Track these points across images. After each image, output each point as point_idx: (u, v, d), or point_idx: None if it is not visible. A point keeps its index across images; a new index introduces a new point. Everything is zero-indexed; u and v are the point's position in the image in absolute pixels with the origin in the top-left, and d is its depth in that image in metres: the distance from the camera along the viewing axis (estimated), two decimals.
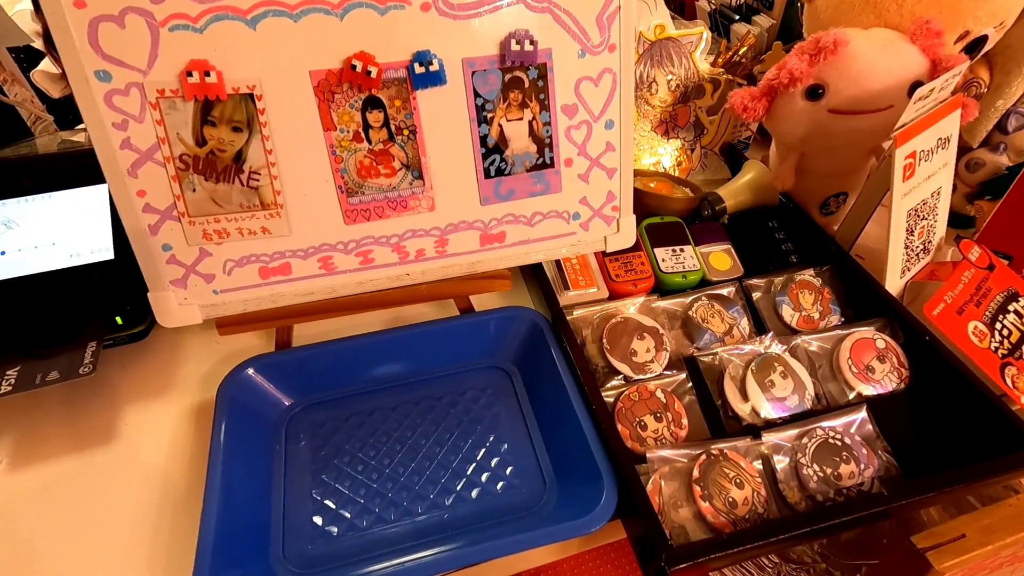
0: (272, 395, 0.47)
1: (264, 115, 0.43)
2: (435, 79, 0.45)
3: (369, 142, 0.45)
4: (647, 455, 0.42)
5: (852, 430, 0.44)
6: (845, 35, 0.51)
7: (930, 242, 0.57)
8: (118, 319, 0.49)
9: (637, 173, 0.67)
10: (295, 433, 0.46)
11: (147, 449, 0.46)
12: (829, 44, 0.51)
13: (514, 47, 0.45)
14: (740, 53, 0.70)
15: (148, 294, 0.45)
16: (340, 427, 0.46)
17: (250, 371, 0.46)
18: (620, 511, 0.40)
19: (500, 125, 0.48)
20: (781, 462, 0.43)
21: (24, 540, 0.41)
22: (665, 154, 0.70)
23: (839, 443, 0.43)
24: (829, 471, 0.42)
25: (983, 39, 0.55)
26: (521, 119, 0.48)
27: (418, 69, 0.44)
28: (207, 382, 0.50)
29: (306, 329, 0.53)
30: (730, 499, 0.40)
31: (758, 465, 0.43)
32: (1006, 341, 0.52)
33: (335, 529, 0.41)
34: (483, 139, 0.48)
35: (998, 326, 0.52)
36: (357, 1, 0.42)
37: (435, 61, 0.44)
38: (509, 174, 0.49)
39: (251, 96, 0.42)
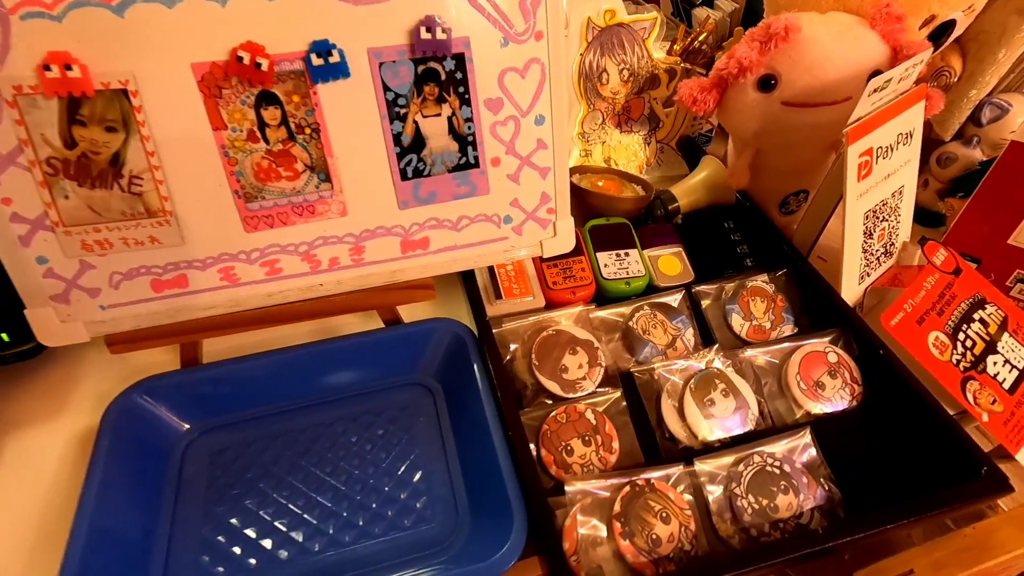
0: (166, 420, 0.43)
1: (142, 113, 0.38)
2: (337, 71, 0.40)
3: (266, 142, 0.41)
4: (565, 486, 0.38)
5: (794, 456, 0.41)
6: (797, 20, 0.47)
7: (892, 244, 0.54)
8: (4, 336, 0.45)
9: (585, 170, 0.63)
10: (191, 461, 0.42)
11: (29, 478, 0.42)
12: (780, 30, 0.47)
13: (424, 35, 0.41)
14: (699, 40, 0.65)
15: (25, 311, 0.41)
16: (242, 454, 0.43)
17: (139, 394, 0.42)
18: (537, 548, 0.37)
19: (415, 122, 0.43)
20: (714, 492, 0.39)
21: None
22: (620, 149, 0.65)
23: (778, 471, 0.40)
24: (765, 502, 0.39)
25: (951, 24, 0.51)
26: (439, 115, 0.44)
27: (316, 61, 0.40)
28: (104, 403, 0.46)
29: (218, 344, 0.49)
30: (653, 536, 0.37)
31: (689, 496, 0.39)
32: (969, 353, 0.48)
33: (221, 569, 0.37)
34: (397, 137, 0.44)
35: (961, 336, 0.48)
36: None
37: (336, 51, 0.40)
38: (429, 175, 0.45)
39: (125, 92, 0.38)
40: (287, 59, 0.39)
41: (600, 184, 0.60)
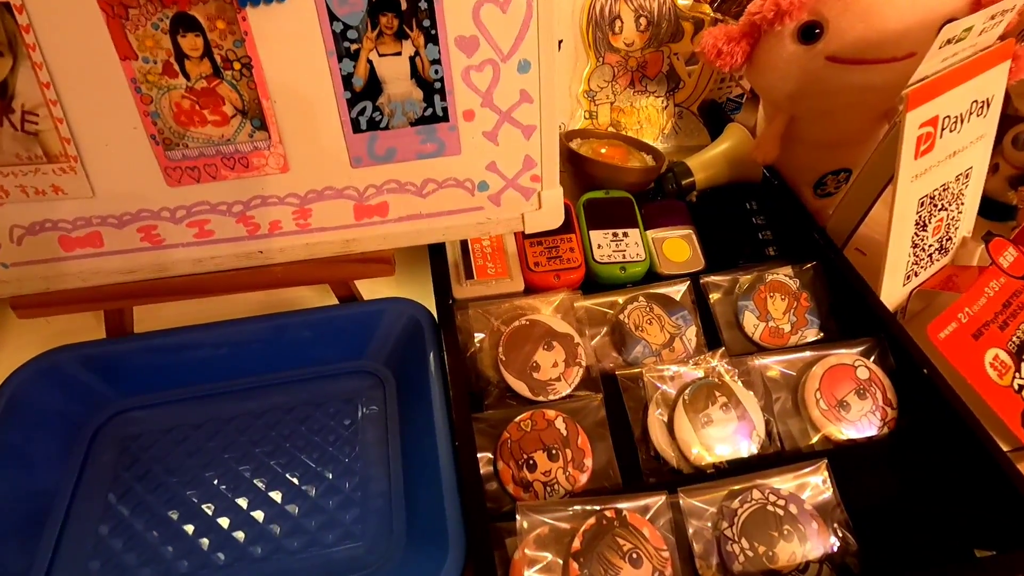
0: (68, 400, 0.38)
1: (30, 34, 0.32)
2: None
3: (187, 77, 0.34)
4: (516, 512, 0.31)
5: (803, 495, 0.33)
6: None
7: (950, 239, 0.44)
8: None
9: (587, 134, 0.54)
10: (100, 447, 0.37)
11: None
12: None
13: None
14: None
15: None
16: (157, 441, 0.37)
17: (38, 370, 0.37)
18: None
19: (370, 61, 0.36)
20: (701, 530, 0.32)
21: None
22: (631, 111, 0.57)
23: (781, 511, 0.32)
24: (762, 549, 0.31)
25: None
26: (399, 54, 0.36)
27: None
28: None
29: (154, 316, 0.43)
30: None
31: (668, 534, 0.32)
32: None
33: None
34: (347, 79, 0.36)
35: None
36: None
37: None
38: (387, 128, 0.38)
39: (8, 7, 0.31)
40: None
41: (603, 152, 0.51)
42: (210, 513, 0.34)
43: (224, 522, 0.34)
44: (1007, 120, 0.53)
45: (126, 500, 0.35)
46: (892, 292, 0.42)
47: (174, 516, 0.34)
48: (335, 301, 0.44)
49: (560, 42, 0.55)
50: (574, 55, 0.55)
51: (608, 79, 0.55)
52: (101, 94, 0.34)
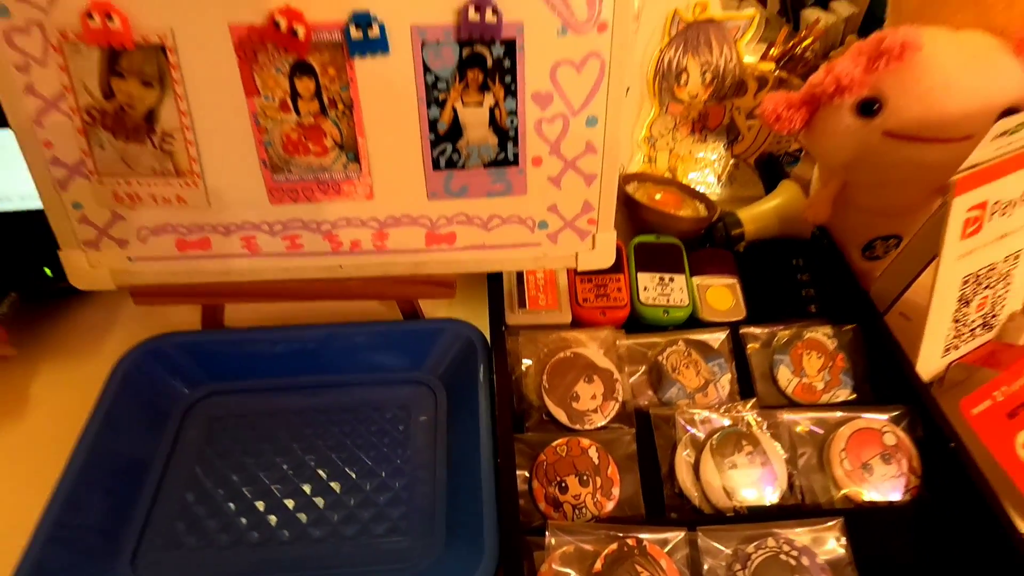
0: (168, 381, 0.43)
1: (177, 71, 0.38)
2: (376, 46, 0.38)
3: (298, 113, 0.40)
4: (546, 529, 0.35)
5: (817, 548, 0.35)
6: (918, 37, 0.39)
7: (995, 316, 0.45)
8: (47, 270, 0.47)
9: (644, 178, 0.57)
10: (190, 424, 0.43)
11: (49, 410, 0.44)
12: (894, 47, 0.39)
13: (472, 16, 0.37)
14: (803, 45, 0.57)
15: (59, 251, 0.42)
16: (237, 424, 0.43)
17: (147, 353, 0.43)
18: None
19: (454, 109, 0.40)
20: (715, 568, 0.35)
21: None
22: (689, 159, 0.59)
23: (794, 562, 0.34)
24: None
25: None
26: (481, 104, 0.40)
27: (355, 33, 0.37)
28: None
29: (238, 312, 0.49)
30: None
31: (684, 567, 0.35)
32: None
33: (194, 540, 0.37)
34: (433, 124, 0.41)
35: None
36: None
37: (376, 25, 0.37)
38: (463, 168, 0.42)
39: (163, 49, 0.37)
40: (325, 28, 0.37)
41: (658, 197, 0.54)
42: (278, 494, 0.39)
43: (289, 503, 0.39)
44: None
45: (209, 473, 0.40)
46: (929, 363, 0.43)
47: (248, 492, 0.39)
48: (399, 316, 0.49)
49: (627, 89, 0.58)
50: (639, 102, 0.58)
51: (670, 127, 0.58)
52: (226, 123, 0.39)
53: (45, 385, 0.47)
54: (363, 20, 0.37)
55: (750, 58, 0.56)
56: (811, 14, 0.61)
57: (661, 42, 0.55)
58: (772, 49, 0.57)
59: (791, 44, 0.57)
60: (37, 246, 0.47)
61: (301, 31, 0.37)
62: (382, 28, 0.37)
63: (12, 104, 0.38)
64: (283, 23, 0.36)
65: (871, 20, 0.60)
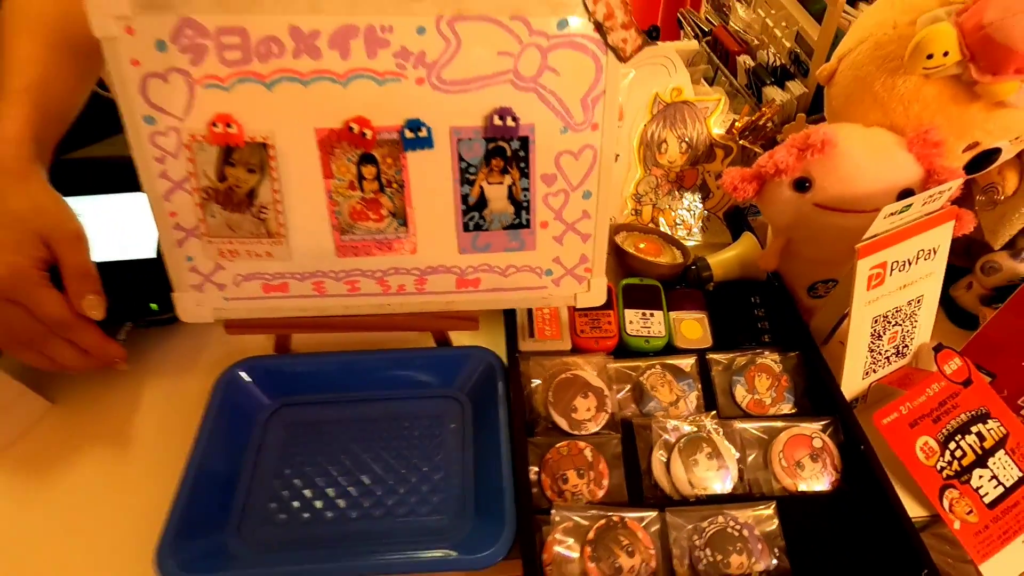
0: (256, 393, 0.55)
1: (275, 162, 0.50)
2: (423, 143, 0.50)
3: (362, 191, 0.52)
4: (551, 510, 0.46)
5: (754, 524, 0.47)
6: (835, 136, 0.51)
7: (906, 346, 0.57)
8: (153, 306, 0.59)
9: (631, 228, 0.69)
10: (272, 429, 0.54)
11: (160, 415, 0.56)
12: (817, 143, 0.51)
13: (497, 122, 0.49)
14: (763, 120, 0.70)
15: (172, 293, 0.54)
16: (309, 430, 0.54)
17: (240, 371, 0.55)
18: (522, 554, 0.45)
19: (481, 187, 0.53)
20: (679, 539, 0.46)
21: (53, 469, 0.53)
22: (668, 212, 0.71)
23: (736, 533, 0.46)
24: (720, 557, 0.45)
25: (995, 152, 0.53)
26: (501, 183, 0.53)
27: (408, 134, 0.49)
28: (219, 367, 0.59)
29: (303, 340, 0.61)
30: (617, 565, 0.44)
31: (656, 538, 0.46)
32: (956, 463, 0.51)
33: (284, 517, 0.49)
34: (464, 198, 0.53)
35: (952, 445, 0.52)
36: (359, 72, 0.47)
37: (424, 128, 0.49)
38: (487, 230, 0.54)
39: (264, 145, 0.49)
40: (386, 131, 0.49)
41: (642, 246, 0.66)
42: (343, 483, 0.51)
43: (352, 490, 0.50)
44: (980, 248, 0.65)
45: (290, 467, 0.52)
46: (852, 384, 0.55)
47: (321, 482, 0.51)
48: (432, 343, 0.61)
49: (617, 156, 0.70)
50: (627, 166, 0.70)
51: (652, 186, 0.70)
52: (308, 198, 0.51)
53: (152, 394, 0.58)
54: (415, 125, 0.49)
55: (718, 130, 0.69)
56: (771, 91, 0.74)
57: (645, 118, 0.68)
58: (737, 122, 0.70)
59: (753, 118, 0.70)
60: (147, 287, 0.59)
61: (369, 133, 0.49)
62: (429, 130, 0.49)
63: (150, 185, 0.50)
64: (356, 128, 0.49)
65: (818, 99, 0.72)
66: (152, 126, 0.48)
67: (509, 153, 0.51)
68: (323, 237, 0.53)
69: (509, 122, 0.50)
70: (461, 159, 0.51)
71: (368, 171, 0.51)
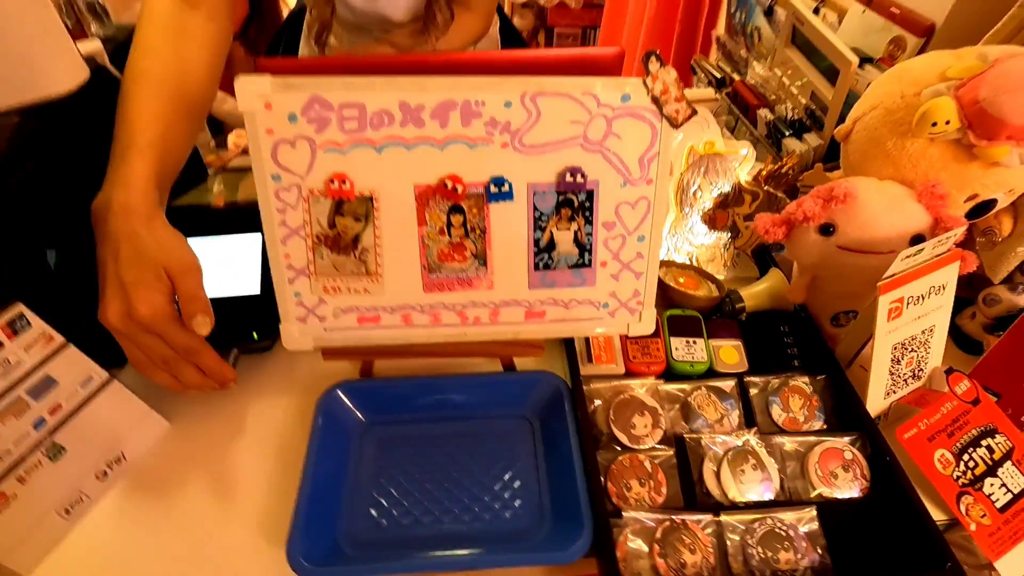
0: (352, 412, 0.63)
1: (378, 212, 0.58)
2: (505, 196, 0.59)
3: (450, 236, 0.60)
4: (623, 513, 0.54)
5: (799, 525, 0.54)
6: (855, 189, 0.60)
7: (921, 370, 0.64)
8: (255, 334, 0.67)
9: (670, 264, 0.78)
10: (367, 443, 0.62)
11: (263, 432, 0.63)
12: (840, 195, 0.60)
13: (568, 179, 0.58)
14: (784, 169, 0.79)
15: (280, 324, 0.62)
16: (398, 445, 0.62)
17: (339, 391, 0.62)
18: (596, 552, 0.52)
19: (551, 232, 0.61)
20: (733, 539, 0.53)
21: (176, 481, 0.60)
22: (702, 250, 0.80)
23: (783, 534, 0.53)
24: (770, 555, 0.52)
25: (992, 202, 0.62)
26: (569, 229, 0.61)
27: (493, 189, 0.58)
28: (309, 390, 0.67)
29: (382, 364, 0.69)
30: (682, 560, 0.51)
31: (713, 539, 0.53)
32: (969, 472, 0.58)
33: (384, 522, 0.56)
34: (536, 242, 0.61)
35: (965, 457, 0.59)
36: (454, 138, 0.56)
37: (507, 184, 0.58)
38: (554, 269, 0.62)
39: (371, 198, 0.58)
40: (474, 186, 0.58)
41: (681, 280, 0.75)
42: (434, 492, 0.58)
43: (443, 498, 0.57)
44: (981, 282, 0.74)
45: (386, 478, 0.59)
46: (875, 404, 0.62)
47: (415, 492, 0.58)
48: (500, 367, 0.69)
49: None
50: (665, 211, 0.79)
51: (688, 227, 0.79)
52: (403, 243, 0.60)
53: (255, 410, 0.66)
54: (498, 181, 0.58)
55: (745, 177, 0.77)
56: (790, 142, 0.83)
57: (682, 167, 0.77)
58: (763, 171, 0.79)
59: (776, 167, 0.79)
60: (250, 319, 0.67)
61: (459, 188, 0.58)
62: (510, 185, 0.58)
63: (270, 231, 0.58)
64: (449, 184, 0.57)
65: (833, 149, 0.81)
66: (278, 183, 0.57)
67: (576, 204, 0.60)
68: (413, 275, 0.61)
69: (578, 179, 0.58)
70: (536, 209, 0.60)
71: (456, 219, 0.59)
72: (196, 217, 0.71)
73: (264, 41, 0.54)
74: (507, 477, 0.59)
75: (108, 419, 0.58)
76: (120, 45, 0.80)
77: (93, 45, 0.78)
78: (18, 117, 0.60)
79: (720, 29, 1.39)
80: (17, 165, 0.61)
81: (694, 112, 0.57)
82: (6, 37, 0.53)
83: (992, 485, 0.58)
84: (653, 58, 0.54)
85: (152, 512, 0.58)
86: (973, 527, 0.56)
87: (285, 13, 1.36)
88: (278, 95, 0.54)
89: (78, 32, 0.86)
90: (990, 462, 0.59)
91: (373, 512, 0.56)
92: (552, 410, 0.63)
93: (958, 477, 0.58)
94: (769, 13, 1.04)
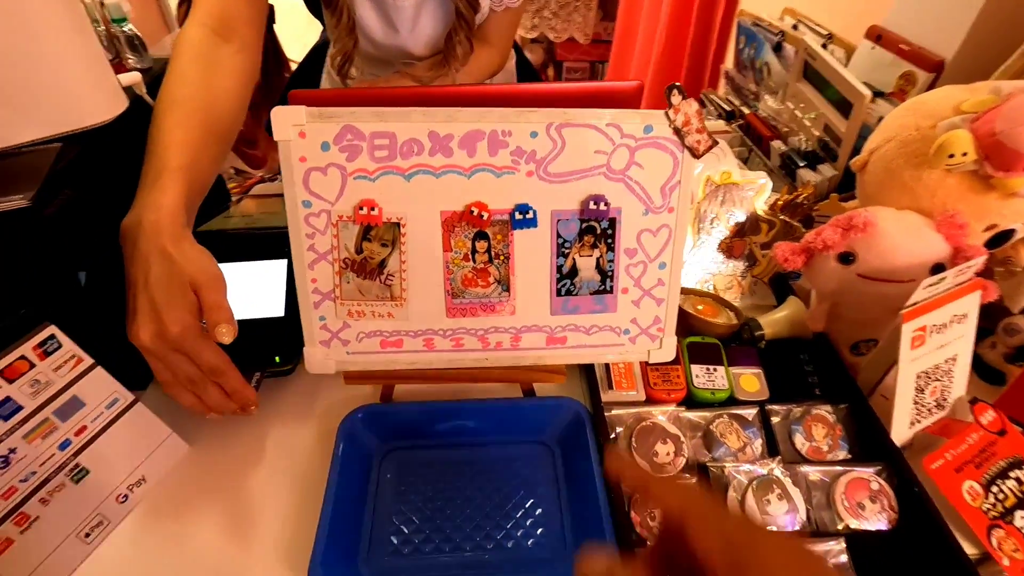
0: (372, 437, 0.62)
1: (405, 238, 0.59)
2: (529, 223, 0.60)
3: (474, 262, 0.61)
4: (648, 543, 0.53)
5: (828, 556, 0.53)
6: (875, 218, 0.61)
7: (945, 399, 0.64)
8: (277, 358, 0.68)
9: (689, 292, 0.78)
10: (386, 469, 0.61)
11: (282, 456, 0.63)
12: (860, 223, 0.61)
13: (592, 206, 0.59)
14: (800, 199, 0.80)
15: (304, 348, 0.62)
16: (418, 471, 0.61)
17: (359, 416, 0.62)
18: None
19: (574, 259, 0.62)
20: None
21: (196, 505, 0.59)
22: (720, 278, 0.80)
23: None
24: None
25: (1011, 232, 0.62)
26: (591, 256, 0.62)
27: (517, 216, 0.59)
28: (330, 414, 0.67)
29: (402, 388, 0.69)
30: None
31: None
32: (1000, 504, 0.57)
33: (405, 549, 0.55)
34: (559, 268, 0.62)
35: (995, 489, 0.58)
36: (481, 167, 0.58)
37: (531, 211, 0.59)
38: (576, 295, 0.63)
39: (398, 224, 0.59)
40: (499, 213, 0.59)
41: (700, 308, 0.75)
42: (456, 520, 0.57)
43: (465, 525, 0.57)
44: (1001, 312, 0.74)
45: (406, 504, 0.58)
46: (900, 434, 0.62)
47: (436, 519, 0.57)
48: (519, 393, 0.69)
49: None
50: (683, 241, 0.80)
51: (707, 255, 0.80)
52: (428, 269, 0.61)
53: (274, 434, 0.66)
54: (523, 209, 0.59)
55: (762, 206, 0.79)
56: (805, 173, 0.84)
57: (699, 197, 0.78)
58: (779, 200, 0.80)
59: (792, 197, 0.80)
60: (272, 343, 0.68)
61: (485, 215, 0.59)
62: (535, 213, 0.59)
63: (299, 255, 0.59)
64: (475, 211, 0.58)
65: (847, 179, 0.82)
66: (308, 209, 0.58)
67: (599, 231, 0.61)
68: (437, 300, 0.62)
69: (601, 206, 0.59)
70: (559, 236, 0.61)
71: (481, 245, 0.60)
72: (220, 242, 0.72)
73: (267, 108, 0.56)
74: (528, 504, 0.59)
75: (131, 441, 0.59)
76: (157, 77, 0.83)
77: (133, 77, 0.81)
78: (60, 144, 0.62)
79: (728, 64, 1.43)
80: (56, 191, 0.63)
81: (715, 143, 0.58)
82: (54, 69, 0.55)
83: (1023, 518, 0.57)
84: (675, 91, 0.56)
85: (171, 538, 0.57)
86: (1006, 562, 0.55)
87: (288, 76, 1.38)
88: (312, 124, 0.55)
89: (117, 64, 0.89)
90: (1020, 494, 0.58)
91: (394, 539, 0.56)
92: (573, 437, 0.63)
93: (987, 510, 0.57)
94: (778, 49, 1.07)
